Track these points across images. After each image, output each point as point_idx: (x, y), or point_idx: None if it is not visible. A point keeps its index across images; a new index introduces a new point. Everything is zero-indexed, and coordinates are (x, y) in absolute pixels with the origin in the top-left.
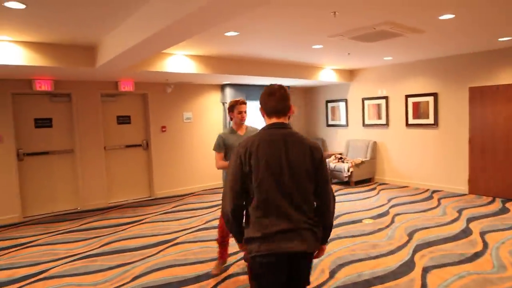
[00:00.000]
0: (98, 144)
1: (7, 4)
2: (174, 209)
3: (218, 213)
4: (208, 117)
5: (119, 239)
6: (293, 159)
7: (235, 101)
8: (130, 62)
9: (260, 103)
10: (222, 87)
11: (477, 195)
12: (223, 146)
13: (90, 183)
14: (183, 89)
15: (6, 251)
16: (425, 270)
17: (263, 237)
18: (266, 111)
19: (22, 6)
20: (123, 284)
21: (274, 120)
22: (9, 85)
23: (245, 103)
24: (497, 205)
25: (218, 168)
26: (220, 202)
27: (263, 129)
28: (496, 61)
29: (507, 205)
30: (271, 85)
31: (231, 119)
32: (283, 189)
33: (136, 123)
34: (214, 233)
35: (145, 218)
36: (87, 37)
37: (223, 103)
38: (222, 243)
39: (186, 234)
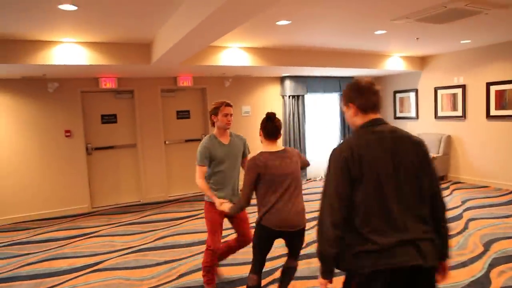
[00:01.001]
0: (159, 138)
1: (61, 7)
2: None
3: None
4: (267, 111)
5: (173, 233)
6: (404, 158)
7: (219, 103)
8: (182, 56)
9: (350, 99)
10: (282, 79)
11: None
12: (208, 159)
13: (151, 177)
14: (241, 82)
15: (73, 240)
16: None
17: (379, 250)
18: (361, 106)
19: (74, 8)
20: (169, 282)
21: (371, 116)
22: (78, 84)
23: (230, 106)
24: None
25: (198, 184)
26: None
27: (363, 127)
28: None
29: None
30: (357, 79)
31: (213, 124)
32: (398, 194)
33: (195, 118)
34: None
35: (201, 213)
36: (141, 34)
37: (283, 96)
38: (211, 268)
39: None
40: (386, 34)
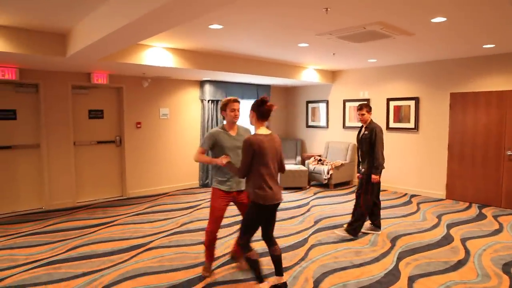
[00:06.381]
0: (67, 139)
1: None
2: (147, 210)
3: (194, 215)
4: (186, 114)
5: (87, 242)
6: None
7: (227, 100)
8: (103, 52)
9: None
10: (201, 83)
11: (454, 200)
12: (210, 146)
13: (57, 181)
14: (161, 84)
15: None
16: (411, 280)
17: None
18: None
19: None
20: None
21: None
22: None
23: (238, 101)
24: (474, 211)
25: (195, 160)
26: (198, 203)
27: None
28: (477, 68)
29: (483, 211)
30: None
31: (224, 118)
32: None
33: (109, 118)
34: (190, 238)
35: (116, 220)
36: (57, 23)
37: (202, 100)
38: (209, 246)
39: (160, 238)
40: (308, 47)
